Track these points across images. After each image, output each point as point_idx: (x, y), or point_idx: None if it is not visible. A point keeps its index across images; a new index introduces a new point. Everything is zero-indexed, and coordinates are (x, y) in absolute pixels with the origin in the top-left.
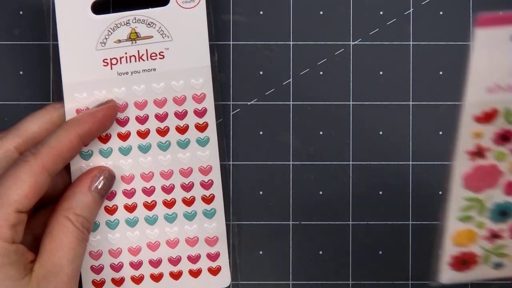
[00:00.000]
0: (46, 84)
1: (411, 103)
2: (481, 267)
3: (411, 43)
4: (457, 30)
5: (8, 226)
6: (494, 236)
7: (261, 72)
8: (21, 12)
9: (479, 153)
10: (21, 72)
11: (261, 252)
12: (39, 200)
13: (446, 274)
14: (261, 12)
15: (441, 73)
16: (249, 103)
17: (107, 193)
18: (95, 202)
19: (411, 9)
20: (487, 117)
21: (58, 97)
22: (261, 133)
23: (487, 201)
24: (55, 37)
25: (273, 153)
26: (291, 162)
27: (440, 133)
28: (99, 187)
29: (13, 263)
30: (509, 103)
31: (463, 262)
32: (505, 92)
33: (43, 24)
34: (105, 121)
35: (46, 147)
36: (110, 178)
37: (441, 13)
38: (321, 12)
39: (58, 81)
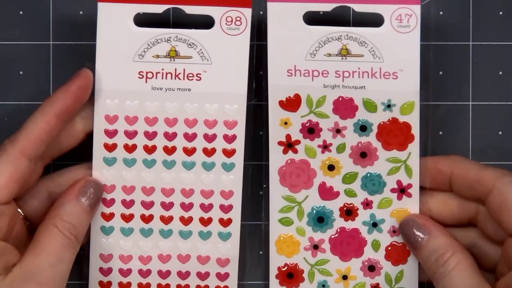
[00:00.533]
0: (46, 84)
1: (470, 103)
2: (307, 285)
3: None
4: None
5: None
6: (315, 247)
7: (261, 72)
8: (21, 12)
9: (290, 145)
10: (21, 72)
11: (261, 252)
12: None
13: None
14: (261, 13)
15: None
16: (249, 103)
17: (95, 202)
18: (84, 210)
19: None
20: (291, 103)
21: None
22: (261, 133)
23: (304, 203)
24: (55, 37)
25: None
26: None
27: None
28: (86, 196)
29: None
30: (309, 89)
31: (289, 275)
32: (304, 77)
33: (43, 24)
34: (80, 93)
35: (23, 133)
36: (97, 187)
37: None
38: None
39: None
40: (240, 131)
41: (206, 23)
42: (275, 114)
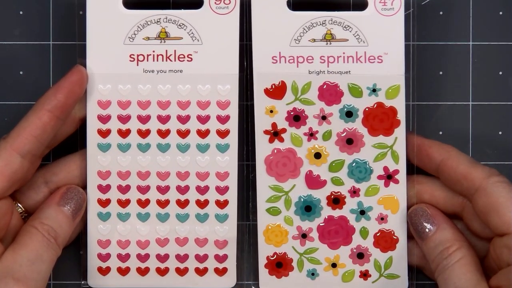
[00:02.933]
0: (46, 84)
1: (470, 103)
2: (296, 274)
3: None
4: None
5: None
6: (304, 236)
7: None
8: (21, 12)
9: (276, 134)
10: (21, 72)
11: None
12: None
13: (264, 279)
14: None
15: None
16: (249, 103)
17: (77, 209)
18: (64, 215)
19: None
20: (277, 90)
21: None
22: None
23: (291, 192)
24: (55, 37)
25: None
26: None
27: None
28: (68, 203)
29: None
30: (294, 75)
31: (278, 264)
32: (289, 64)
33: (43, 24)
34: (72, 88)
35: (15, 130)
36: (79, 194)
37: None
38: None
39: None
40: (233, 111)
41: (195, 2)
42: (260, 102)
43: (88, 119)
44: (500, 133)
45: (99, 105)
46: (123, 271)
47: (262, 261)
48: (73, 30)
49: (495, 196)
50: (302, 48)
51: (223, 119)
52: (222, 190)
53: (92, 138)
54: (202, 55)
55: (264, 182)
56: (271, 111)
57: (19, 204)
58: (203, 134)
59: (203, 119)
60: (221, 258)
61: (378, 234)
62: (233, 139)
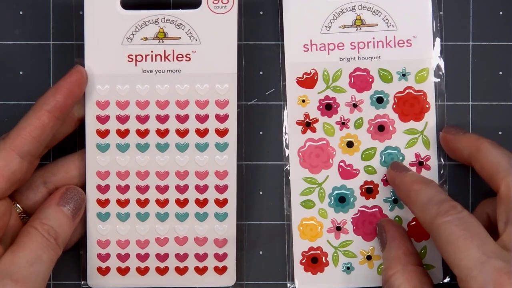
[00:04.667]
0: (46, 84)
1: (470, 103)
2: (331, 269)
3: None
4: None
5: None
6: (338, 229)
7: (261, 72)
8: (21, 12)
9: (308, 124)
10: (21, 72)
11: (261, 252)
12: None
13: (301, 277)
14: (261, 12)
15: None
16: (249, 103)
17: (77, 209)
18: (64, 215)
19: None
20: (308, 80)
21: None
22: (261, 133)
23: (324, 183)
24: (55, 37)
25: (273, 153)
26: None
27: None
28: (67, 203)
29: None
30: (325, 63)
31: (313, 259)
32: (320, 51)
33: (43, 24)
34: (71, 88)
35: (14, 130)
36: (78, 194)
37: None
38: None
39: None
40: (232, 110)
41: (192, 3)
42: (292, 92)
43: (87, 119)
44: (500, 133)
45: (97, 105)
46: (123, 271)
47: (297, 258)
48: (73, 30)
49: (439, 239)
50: (333, 35)
51: (221, 118)
52: (221, 189)
53: (91, 138)
54: (201, 55)
55: (297, 174)
56: (303, 101)
57: (17, 205)
58: (202, 133)
59: (201, 118)
60: (220, 257)
61: (412, 223)
62: (232, 138)
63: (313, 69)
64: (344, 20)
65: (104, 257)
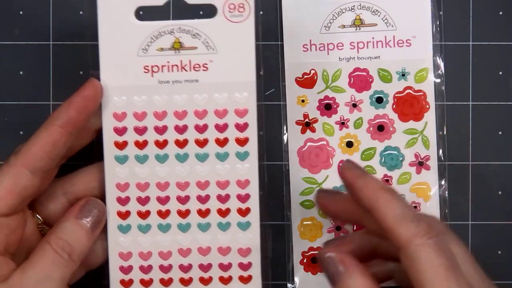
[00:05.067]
0: (46, 84)
1: (470, 103)
2: None
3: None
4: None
5: None
6: (338, 229)
7: (261, 72)
8: (21, 12)
9: (307, 124)
10: (21, 72)
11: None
12: None
13: (301, 277)
14: (261, 12)
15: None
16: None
17: (97, 222)
18: (82, 229)
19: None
20: (308, 80)
21: None
22: (261, 133)
23: (324, 183)
24: (55, 37)
25: (273, 153)
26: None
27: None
28: (86, 216)
29: None
30: (325, 63)
31: (313, 259)
32: (320, 51)
33: (43, 24)
34: (85, 103)
35: (26, 145)
36: (98, 206)
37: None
38: None
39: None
40: (251, 118)
41: (208, 12)
42: (292, 92)
43: (104, 131)
44: (500, 133)
45: (114, 117)
46: (146, 283)
47: (297, 258)
48: (73, 30)
49: (415, 262)
50: (332, 35)
51: (241, 127)
52: (243, 198)
53: (109, 150)
54: (218, 64)
55: (297, 174)
56: (303, 101)
57: (38, 216)
58: (221, 142)
59: (221, 128)
60: (245, 266)
61: None
62: (252, 147)
63: (312, 69)
64: (344, 20)
65: (126, 269)
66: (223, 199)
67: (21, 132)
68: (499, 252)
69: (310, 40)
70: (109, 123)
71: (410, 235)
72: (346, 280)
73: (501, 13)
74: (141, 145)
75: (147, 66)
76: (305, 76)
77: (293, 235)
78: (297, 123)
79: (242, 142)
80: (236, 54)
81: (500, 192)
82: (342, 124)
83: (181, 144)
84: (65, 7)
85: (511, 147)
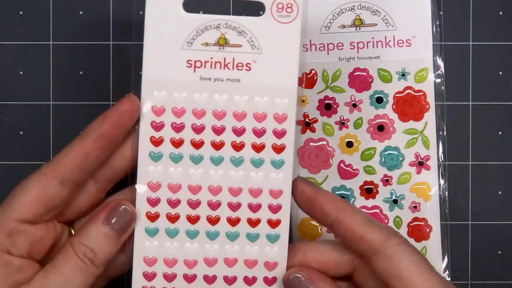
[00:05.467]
0: (46, 84)
1: (470, 103)
2: None
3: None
4: None
5: (2, 234)
6: None
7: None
8: (21, 12)
9: (307, 124)
10: (21, 72)
11: None
12: None
13: None
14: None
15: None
16: None
17: (123, 227)
18: (106, 235)
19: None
20: (308, 80)
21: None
22: None
23: (324, 183)
24: (55, 37)
25: None
26: None
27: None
28: (113, 221)
29: None
30: (325, 63)
31: None
32: (320, 51)
33: (43, 24)
34: (121, 119)
35: (58, 156)
36: (126, 213)
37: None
38: None
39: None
40: (290, 126)
41: (255, 10)
42: None
43: (141, 125)
44: (500, 133)
45: (153, 111)
46: None
47: None
48: (73, 30)
49: (395, 260)
50: (332, 35)
51: (279, 134)
52: (275, 209)
53: (144, 146)
54: (261, 65)
55: (296, 173)
56: (303, 101)
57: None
58: (258, 148)
59: (259, 133)
60: (270, 281)
61: (411, 224)
62: (288, 156)
63: (312, 69)
64: (344, 20)
65: (150, 276)
66: (254, 208)
67: (21, 132)
68: (499, 252)
69: (310, 40)
70: (147, 117)
71: (383, 237)
72: None
73: (501, 13)
74: (177, 143)
75: (190, 61)
76: (305, 76)
77: (293, 235)
78: (297, 123)
79: (278, 149)
80: (280, 56)
81: (500, 192)
82: (342, 124)
83: (217, 146)
84: (65, 7)
85: (511, 147)
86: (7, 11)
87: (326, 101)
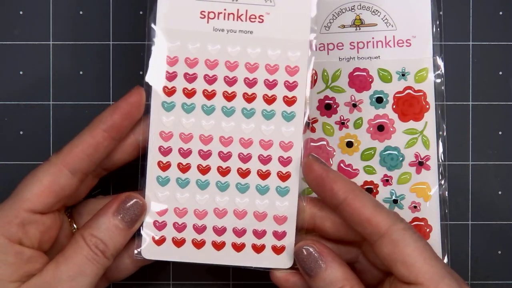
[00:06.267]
0: (46, 84)
1: (470, 103)
2: None
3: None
4: None
5: (15, 224)
6: None
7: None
8: (21, 12)
9: (307, 124)
10: (21, 72)
11: None
12: None
13: None
14: None
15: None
16: None
17: (134, 220)
18: (117, 227)
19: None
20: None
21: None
22: None
23: None
24: (55, 37)
25: None
26: None
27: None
28: (124, 213)
29: (9, 264)
30: (325, 63)
31: None
32: (320, 51)
33: (43, 24)
34: (129, 109)
35: (68, 146)
36: (137, 206)
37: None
38: None
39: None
40: (302, 78)
41: None
42: None
43: (154, 76)
44: (500, 133)
45: (167, 62)
46: (179, 243)
47: None
48: (74, 30)
49: (401, 245)
50: (332, 35)
51: (291, 86)
52: (285, 162)
53: (157, 96)
54: (274, 17)
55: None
56: None
57: (74, 225)
58: (269, 100)
59: (270, 85)
60: (279, 235)
61: (411, 224)
62: (299, 108)
63: (312, 69)
64: (344, 20)
65: (160, 226)
66: (264, 160)
67: (21, 132)
68: (499, 252)
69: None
70: (161, 67)
71: (390, 222)
72: (326, 272)
73: (501, 13)
74: (190, 93)
75: (204, 12)
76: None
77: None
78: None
79: (290, 102)
80: (293, 10)
81: (500, 192)
82: (342, 124)
83: (229, 97)
84: (65, 7)
85: (511, 147)
86: (7, 11)
87: (326, 101)
